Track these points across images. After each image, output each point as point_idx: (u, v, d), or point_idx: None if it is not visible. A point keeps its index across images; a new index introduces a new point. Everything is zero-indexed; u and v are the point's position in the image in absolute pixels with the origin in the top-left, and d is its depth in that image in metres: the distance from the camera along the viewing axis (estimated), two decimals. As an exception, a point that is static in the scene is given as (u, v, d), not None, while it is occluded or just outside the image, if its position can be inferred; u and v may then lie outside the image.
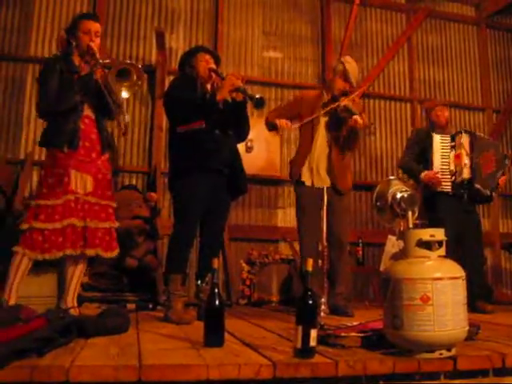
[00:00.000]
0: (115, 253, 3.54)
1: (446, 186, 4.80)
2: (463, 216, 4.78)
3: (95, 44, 3.39)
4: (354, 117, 4.19)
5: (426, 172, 4.84)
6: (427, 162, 4.89)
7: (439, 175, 4.79)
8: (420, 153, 4.97)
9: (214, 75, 3.83)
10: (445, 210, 4.74)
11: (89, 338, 2.54)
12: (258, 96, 3.61)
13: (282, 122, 4.38)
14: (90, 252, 3.35)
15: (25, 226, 3.24)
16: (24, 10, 6.06)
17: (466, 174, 4.74)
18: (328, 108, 4.35)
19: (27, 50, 5.96)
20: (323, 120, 4.44)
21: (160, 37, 5.88)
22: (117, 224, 3.57)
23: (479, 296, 4.55)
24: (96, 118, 3.49)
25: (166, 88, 4.17)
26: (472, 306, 4.18)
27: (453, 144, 4.84)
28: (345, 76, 4.42)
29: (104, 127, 3.56)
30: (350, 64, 4.47)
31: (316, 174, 4.37)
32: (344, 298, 4.33)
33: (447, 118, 5.05)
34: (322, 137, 4.43)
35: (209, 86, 3.86)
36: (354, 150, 4.59)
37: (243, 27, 6.84)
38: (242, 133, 3.97)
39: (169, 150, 3.91)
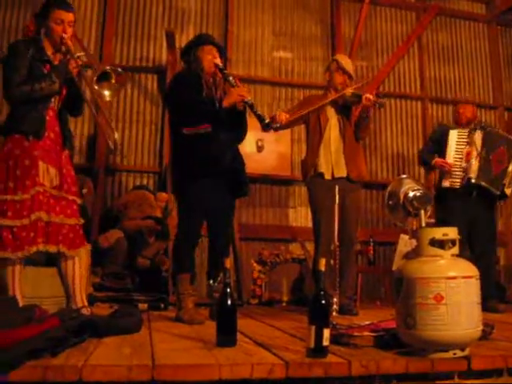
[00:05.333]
0: (79, 251, 3.30)
1: (456, 182, 4.80)
2: (474, 213, 4.76)
3: (68, 35, 3.20)
4: (365, 95, 4.26)
5: (437, 158, 4.90)
6: (442, 156, 4.92)
7: (451, 166, 4.82)
8: (437, 146, 5.01)
9: (218, 72, 3.79)
10: (453, 207, 4.75)
11: (101, 338, 2.53)
12: (267, 121, 3.68)
13: (280, 114, 4.36)
14: (52, 248, 3.12)
15: None
16: (35, 12, 6.08)
17: (473, 172, 4.72)
18: (335, 97, 4.41)
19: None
20: (332, 112, 4.48)
21: (170, 37, 5.89)
22: (82, 221, 3.36)
23: (492, 295, 4.52)
24: (59, 110, 3.31)
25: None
26: (484, 305, 4.16)
27: (468, 140, 4.84)
28: (341, 69, 4.49)
29: (67, 122, 3.39)
30: (343, 58, 4.64)
31: (335, 164, 4.38)
32: (348, 297, 4.33)
33: (469, 117, 5.02)
34: (334, 130, 4.45)
35: (211, 80, 3.80)
36: (364, 136, 4.61)
37: (253, 27, 6.84)
38: (240, 135, 3.94)
39: (173, 151, 3.86)
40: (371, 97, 4.24)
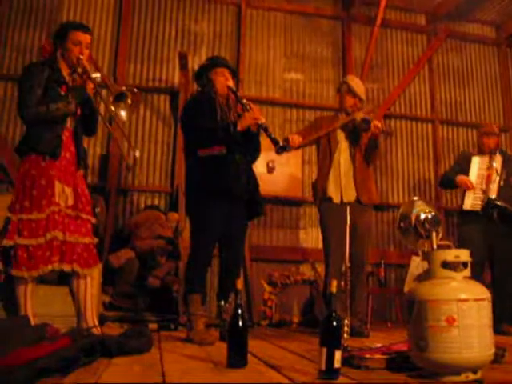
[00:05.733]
0: (92, 270, 3.34)
1: (477, 204, 4.82)
2: (495, 238, 4.77)
3: (85, 56, 3.28)
4: (373, 122, 4.24)
5: (460, 176, 4.94)
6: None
7: (473, 190, 4.87)
8: (460, 172, 5.04)
9: (231, 94, 3.84)
10: (474, 230, 4.78)
11: (112, 358, 2.53)
12: (281, 144, 3.70)
13: (293, 137, 4.33)
14: (67, 267, 3.15)
15: (8, 243, 3.05)
16: (50, 34, 6.18)
17: (493, 192, 4.77)
18: (345, 122, 4.43)
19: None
20: (342, 136, 4.49)
21: (183, 59, 5.96)
22: (95, 240, 3.40)
23: (504, 318, 4.50)
24: (74, 130, 3.35)
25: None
26: (496, 328, 4.13)
27: (489, 165, 4.91)
28: (352, 92, 4.49)
29: (81, 142, 3.43)
30: (353, 80, 4.60)
31: (344, 189, 4.39)
32: (360, 319, 4.32)
33: (491, 147, 5.03)
34: (344, 153, 4.46)
35: (224, 102, 3.84)
36: (374, 160, 4.60)
37: (265, 49, 6.91)
38: (254, 156, 3.95)
39: (188, 172, 3.85)
40: (379, 125, 4.24)
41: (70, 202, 3.25)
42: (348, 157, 4.45)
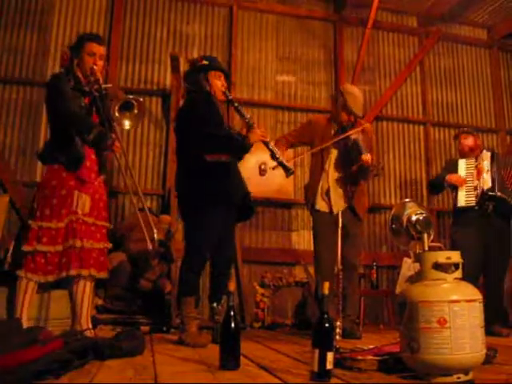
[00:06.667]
0: (106, 273, 3.52)
1: (471, 200, 4.83)
2: (490, 239, 4.78)
3: (98, 67, 3.41)
4: (363, 157, 4.19)
5: (449, 175, 4.97)
6: (454, 185, 5.00)
7: (465, 187, 4.89)
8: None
9: (225, 97, 3.83)
10: (468, 232, 4.78)
11: (104, 360, 2.53)
12: (291, 170, 3.90)
13: (285, 158, 4.39)
14: (85, 272, 3.29)
15: (28, 248, 3.20)
16: (41, 35, 6.18)
17: (487, 184, 4.77)
18: (338, 138, 4.38)
19: (44, 74, 6.04)
20: (334, 152, 4.48)
21: (175, 61, 5.95)
22: (110, 245, 3.58)
23: (495, 320, 4.51)
24: None
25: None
26: (488, 329, 4.14)
27: (477, 164, 4.93)
28: (347, 109, 4.39)
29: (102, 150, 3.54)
30: (350, 95, 4.42)
31: (333, 200, 4.40)
32: (352, 321, 4.34)
33: (471, 146, 5.08)
34: (333, 164, 4.48)
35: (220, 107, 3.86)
36: (365, 180, 4.60)
37: (257, 52, 6.92)
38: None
39: (191, 176, 3.73)
40: (369, 160, 4.21)
41: (87, 209, 3.38)
42: (339, 169, 4.45)
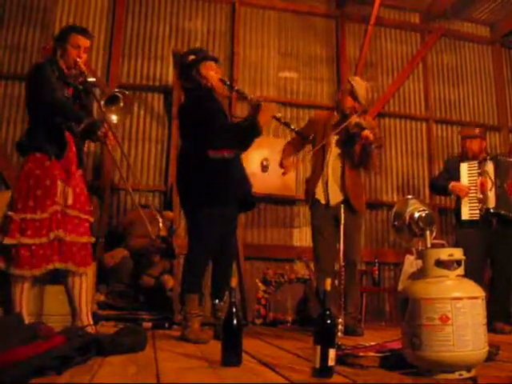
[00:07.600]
0: (89, 268, 3.40)
1: (475, 214, 4.81)
2: (494, 239, 4.77)
3: (82, 60, 3.35)
4: (364, 132, 4.24)
5: (454, 182, 4.91)
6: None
7: (469, 198, 4.84)
8: (450, 179, 5.00)
9: (223, 86, 3.80)
10: (472, 234, 4.76)
11: (106, 357, 2.53)
12: (297, 129, 4.03)
13: (287, 163, 4.60)
14: (61, 266, 3.18)
15: (10, 241, 3.08)
16: (44, 32, 6.16)
17: (491, 203, 4.74)
18: (339, 128, 4.40)
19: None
20: (334, 139, 4.50)
21: (177, 57, 5.94)
22: (93, 239, 3.46)
23: (498, 317, 4.51)
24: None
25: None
26: (490, 327, 4.15)
27: (479, 171, 4.86)
28: (353, 94, 4.48)
29: (81, 142, 3.48)
30: (358, 83, 4.55)
31: (331, 191, 4.42)
32: (353, 317, 4.34)
33: (475, 151, 4.99)
34: (334, 156, 4.49)
35: (220, 98, 3.83)
36: (369, 169, 4.59)
37: (259, 48, 6.90)
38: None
39: (193, 172, 3.68)
40: (370, 136, 4.24)
41: (70, 201, 3.29)
42: (338, 161, 4.47)
